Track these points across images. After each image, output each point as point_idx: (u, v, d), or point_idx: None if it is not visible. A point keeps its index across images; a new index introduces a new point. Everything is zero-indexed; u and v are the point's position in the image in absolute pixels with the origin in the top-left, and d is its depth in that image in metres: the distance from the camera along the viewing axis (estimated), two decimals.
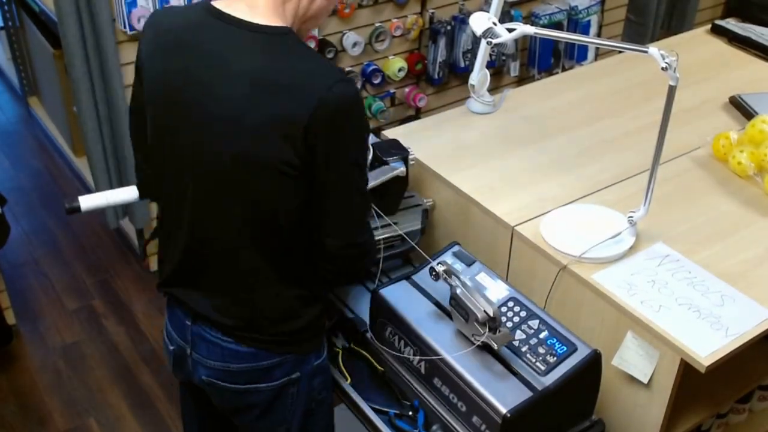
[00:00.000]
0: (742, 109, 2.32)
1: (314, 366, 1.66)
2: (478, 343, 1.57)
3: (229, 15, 1.41)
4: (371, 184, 1.79)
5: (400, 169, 1.86)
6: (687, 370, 1.61)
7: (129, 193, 1.79)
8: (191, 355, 1.64)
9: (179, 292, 1.62)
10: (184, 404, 1.93)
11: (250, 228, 1.48)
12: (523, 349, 1.58)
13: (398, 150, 1.91)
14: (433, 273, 1.62)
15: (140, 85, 1.54)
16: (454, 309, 1.60)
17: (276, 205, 1.45)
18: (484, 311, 1.52)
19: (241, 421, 1.70)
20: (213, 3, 1.44)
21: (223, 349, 1.59)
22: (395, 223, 1.90)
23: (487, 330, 1.53)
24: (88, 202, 1.75)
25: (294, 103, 1.35)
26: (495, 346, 1.53)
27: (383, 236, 1.86)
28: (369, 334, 1.80)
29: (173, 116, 1.47)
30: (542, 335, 1.60)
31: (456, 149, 2.14)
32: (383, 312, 1.72)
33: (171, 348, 1.69)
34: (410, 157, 1.91)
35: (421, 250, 1.77)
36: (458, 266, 1.74)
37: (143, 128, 1.57)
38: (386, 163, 1.87)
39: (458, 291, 1.57)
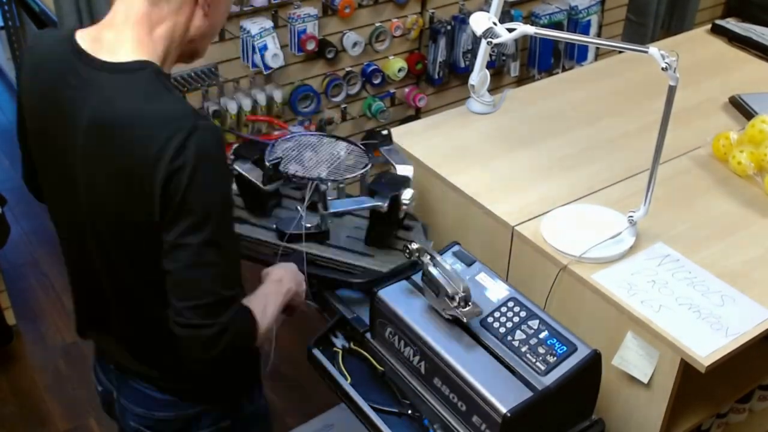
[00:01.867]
0: (742, 109, 2.32)
1: (248, 414, 1.58)
2: (448, 316, 1.62)
3: (88, 55, 1.28)
4: (344, 207, 1.80)
5: (373, 204, 1.79)
6: (687, 370, 1.61)
7: None
8: (119, 400, 1.55)
9: (96, 337, 1.55)
10: None
11: (134, 279, 1.36)
12: (523, 349, 1.58)
13: (394, 188, 1.83)
14: (407, 251, 1.66)
15: (23, 118, 1.43)
16: (426, 285, 1.64)
17: (135, 248, 1.31)
18: (453, 285, 1.56)
19: None
20: (80, 34, 1.31)
21: (146, 397, 1.49)
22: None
23: (456, 303, 1.57)
24: None
25: (138, 151, 1.21)
26: (464, 320, 1.58)
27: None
28: (368, 335, 1.80)
29: (47, 162, 1.40)
30: (542, 335, 1.60)
31: (456, 149, 2.14)
32: (383, 312, 1.72)
33: (99, 389, 1.61)
34: (406, 199, 1.82)
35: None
36: (458, 266, 1.74)
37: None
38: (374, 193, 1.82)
39: (429, 267, 1.61)
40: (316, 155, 1.97)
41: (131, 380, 1.51)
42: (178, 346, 1.30)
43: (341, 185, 1.92)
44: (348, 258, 1.88)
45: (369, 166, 1.93)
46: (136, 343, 1.47)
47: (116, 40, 1.28)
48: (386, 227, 1.90)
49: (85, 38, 1.30)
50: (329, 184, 1.84)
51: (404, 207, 1.84)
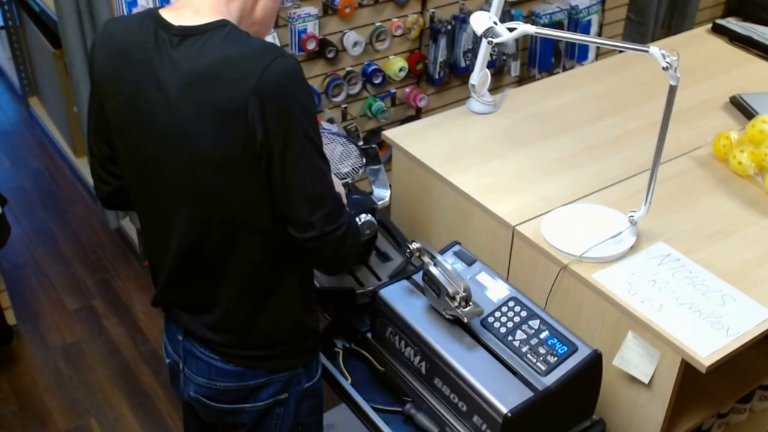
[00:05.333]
0: (742, 108, 2.32)
1: (304, 388, 1.62)
2: (449, 316, 1.62)
3: (171, 24, 1.37)
4: None
5: None
6: (688, 370, 1.61)
7: None
8: (183, 371, 1.62)
9: (172, 306, 1.60)
10: (185, 419, 1.89)
11: (225, 235, 1.44)
12: (524, 349, 1.58)
13: (354, 206, 1.79)
14: (408, 251, 1.66)
15: (99, 101, 1.49)
16: (427, 285, 1.64)
17: (239, 203, 1.40)
18: (454, 285, 1.56)
19: None
20: (161, 12, 1.40)
21: (210, 367, 1.56)
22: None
23: (457, 303, 1.57)
24: None
25: (231, 89, 1.31)
26: (465, 320, 1.58)
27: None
28: (369, 335, 1.80)
29: (135, 133, 1.45)
30: (543, 335, 1.60)
31: (456, 149, 2.14)
32: (383, 312, 1.72)
33: (167, 361, 1.68)
34: (365, 220, 1.80)
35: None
36: (459, 266, 1.74)
37: (106, 142, 1.53)
38: None
39: (431, 267, 1.61)
40: None
41: (198, 350, 1.57)
42: (308, 259, 1.47)
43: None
44: None
45: (347, 180, 1.90)
46: (214, 309, 1.52)
47: (196, 11, 1.38)
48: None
49: (168, 14, 1.40)
50: None
51: None
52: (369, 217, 1.80)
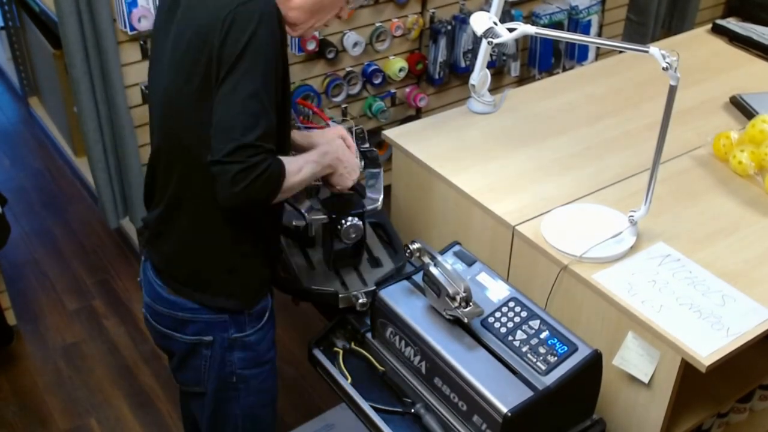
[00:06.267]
0: (742, 108, 2.32)
1: (232, 337, 1.69)
2: (449, 317, 1.62)
3: None
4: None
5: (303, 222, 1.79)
6: (688, 369, 1.61)
7: None
8: (143, 289, 1.79)
9: (144, 217, 1.75)
10: (183, 404, 1.98)
11: (180, 156, 1.56)
12: (524, 348, 1.58)
13: (338, 210, 1.78)
14: (408, 252, 1.67)
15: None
16: (427, 285, 1.64)
17: (192, 123, 1.51)
18: (454, 285, 1.57)
19: (170, 367, 1.82)
20: None
21: (153, 288, 1.72)
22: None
23: (457, 304, 1.57)
24: None
25: (211, 13, 1.45)
26: (465, 320, 1.59)
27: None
28: (369, 335, 1.80)
29: (153, 60, 1.67)
30: (543, 335, 1.60)
31: (456, 149, 2.14)
32: (383, 312, 1.72)
33: (138, 279, 1.85)
34: (350, 223, 1.77)
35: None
36: (459, 266, 1.74)
37: None
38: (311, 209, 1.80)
39: (431, 267, 1.61)
40: None
41: (150, 271, 1.72)
42: (225, 195, 1.48)
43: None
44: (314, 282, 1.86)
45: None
46: (161, 232, 1.67)
47: None
48: (326, 246, 1.87)
49: None
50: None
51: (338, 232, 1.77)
52: (355, 220, 1.76)
